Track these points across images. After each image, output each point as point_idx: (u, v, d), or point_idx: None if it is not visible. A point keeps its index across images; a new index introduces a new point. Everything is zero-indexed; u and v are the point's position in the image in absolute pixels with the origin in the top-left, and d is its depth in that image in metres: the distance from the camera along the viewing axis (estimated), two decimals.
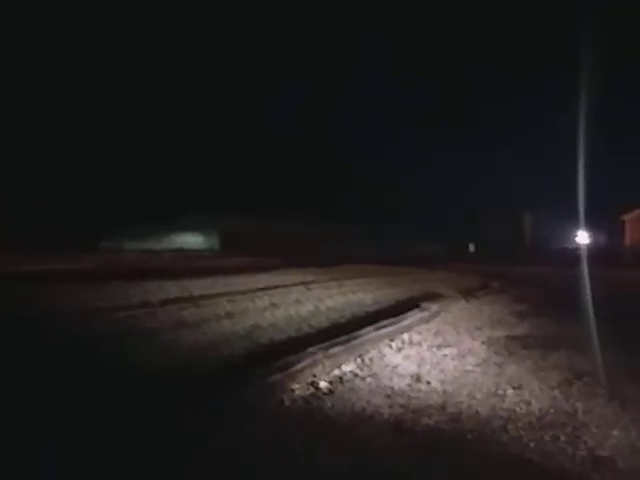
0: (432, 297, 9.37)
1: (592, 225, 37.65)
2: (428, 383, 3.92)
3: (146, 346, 4.68)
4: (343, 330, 5.50)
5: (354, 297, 9.11)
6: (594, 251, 32.31)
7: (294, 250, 26.64)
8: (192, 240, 32.84)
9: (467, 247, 28.57)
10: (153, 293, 8.56)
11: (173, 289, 9.27)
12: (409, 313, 6.72)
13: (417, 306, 7.42)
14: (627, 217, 31.22)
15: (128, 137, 28.45)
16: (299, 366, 3.79)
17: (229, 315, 6.50)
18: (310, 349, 4.20)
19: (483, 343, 5.58)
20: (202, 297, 8.23)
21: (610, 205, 32.26)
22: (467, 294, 10.17)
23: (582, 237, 37.26)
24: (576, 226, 36.18)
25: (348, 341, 4.78)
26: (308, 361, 3.93)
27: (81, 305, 6.92)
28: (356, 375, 4.03)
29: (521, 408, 3.44)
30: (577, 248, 32.81)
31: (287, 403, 3.31)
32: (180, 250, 27.90)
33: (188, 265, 16.67)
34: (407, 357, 4.73)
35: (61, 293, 8.30)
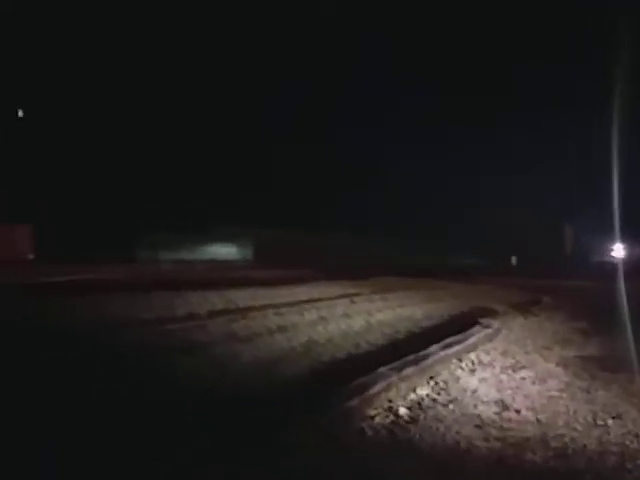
0: (486, 313, 8.91)
1: (630, 238, 36.29)
2: (517, 412, 3.53)
3: (203, 363, 4.43)
4: (404, 348, 5.16)
5: (402, 311, 8.72)
6: (634, 264, 31.02)
7: (323, 261, 26.32)
8: (225, 251, 32.87)
9: (509, 260, 27.71)
10: (198, 304, 8.36)
11: (216, 300, 9.07)
12: (470, 330, 6.30)
13: (477, 322, 6.99)
14: None
15: (156, 145, 28.65)
16: (373, 390, 3.46)
17: (281, 329, 6.21)
18: (381, 369, 3.86)
19: (558, 365, 5.15)
20: (249, 309, 7.99)
21: None
22: (521, 310, 9.67)
23: (618, 250, 35.95)
24: (613, 239, 34.91)
25: (415, 361, 4.41)
26: (382, 384, 3.59)
27: (128, 317, 6.75)
28: (435, 400, 3.67)
29: (632, 442, 3.03)
30: (615, 261, 31.56)
31: (369, 433, 2.98)
32: (214, 261, 27.90)
33: (225, 276, 16.52)
34: (483, 380, 4.34)
35: (105, 304, 8.18)
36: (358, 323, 7.03)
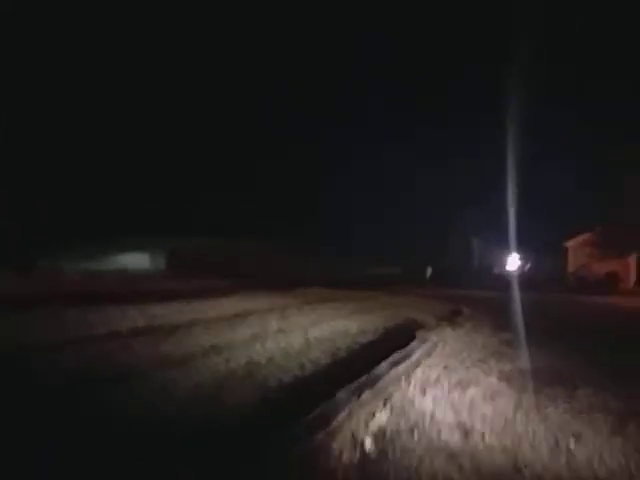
0: (417, 325, 8.99)
1: (532, 250, 39.13)
2: (482, 437, 3.40)
3: (135, 392, 3.89)
4: (350, 367, 4.95)
5: (337, 325, 8.54)
6: (527, 275, 33.64)
7: (239, 272, 25.83)
8: (136, 260, 31.10)
9: (424, 270, 28.73)
10: (117, 321, 7.63)
11: (137, 316, 8.35)
12: (410, 345, 6.22)
13: (413, 337, 6.95)
14: (570, 244, 32.60)
15: (67, 148, 26.66)
16: (336, 420, 3.17)
17: (215, 349, 5.74)
18: (340, 394, 3.58)
19: (500, 380, 5.18)
20: (175, 326, 7.40)
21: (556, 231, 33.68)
22: (447, 321, 9.89)
23: (513, 262, 38.77)
24: (509, 251, 37.47)
25: (369, 383, 4.20)
26: (343, 412, 3.31)
27: (38, 339, 5.93)
28: (398, 429, 3.45)
29: (600, 467, 3.00)
30: (511, 273, 33.95)
31: (340, 474, 2.68)
32: (125, 271, 26.27)
33: (140, 288, 15.48)
34: (437, 401, 4.21)
35: (7, 323, 7.19)
36: (296, 340, 6.71)
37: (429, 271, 29.13)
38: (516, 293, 20.06)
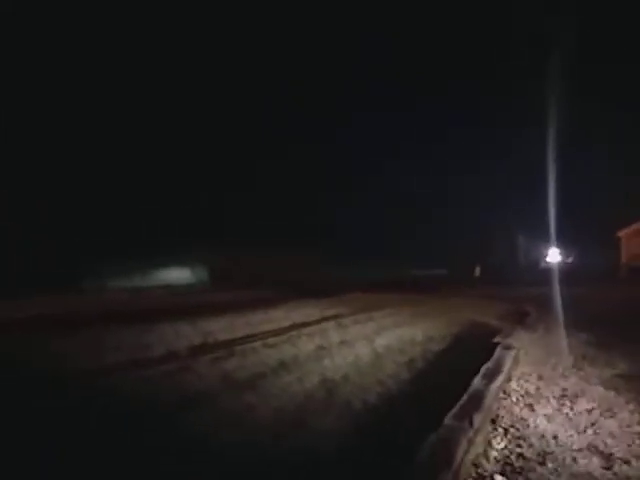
0: (485, 329, 8.36)
1: (579, 242, 37.52)
2: (627, 463, 2.82)
3: (211, 421, 3.48)
4: (433, 382, 4.42)
5: (400, 332, 8.00)
6: (570, 269, 32.15)
7: (281, 281, 25.53)
8: (179, 275, 31.22)
9: (473, 270, 27.71)
10: (172, 340, 7.31)
11: (191, 333, 8.02)
12: (496, 355, 5.62)
13: (491, 344, 6.34)
14: (623, 233, 30.97)
15: (100, 166, 26.94)
16: (457, 452, 2.66)
17: (283, 366, 5.31)
18: (448, 421, 3.06)
19: (607, 388, 4.58)
20: (232, 342, 7.02)
21: (604, 221, 32.10)
22: (516, 323, 9.20)
23: (554, 255, 37.16)
24: (550, 246, 36.03)
25: (473, 402, 3.65)
26: (462, 442, 2.79)
27: (96, 362, 5.63)
28: (523, 457, 2.91)
29: None
30: (552, 267, 32.57)
31: None
32: (170, 286, 26.35)
33: (188, 302, 15.31)
34: (551, 419, 3.64)
35: (64, 345, 6.96)
36: (363, 352, 6.22)
37: (477, 270, 28.11)
38: (571, 289, 19.08)
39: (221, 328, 8.62)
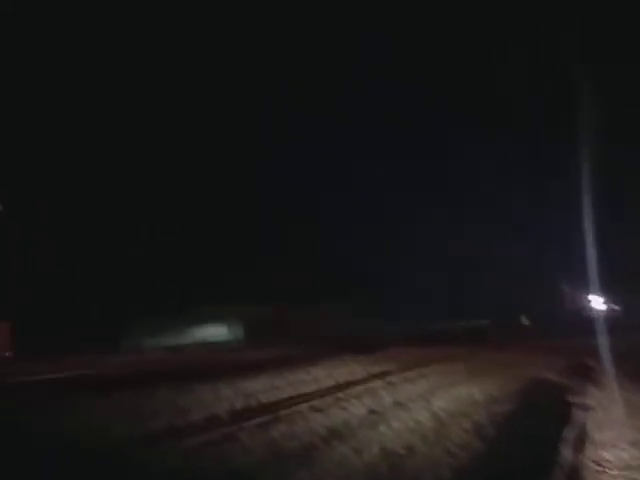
0: (550, 387, 7.61)
1: (609, 292, 35.92)
2: None
3: None
4: (511, 451, 3.82)
5: (457, 392, 7.34)
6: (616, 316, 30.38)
7: (317, 334, 24.91)
8: (214, 332, 30.98)
9: (518, 319, 26.37)
10: (212, 402, 6.86)
11: (231, 394, 7.56)
12: (574, 417, 4.95)
13: (568, 404, 5.65)
14: None
15: (134, 225, 27.36)
16: None
17: (335, 435, 4.77)
18: None
19: None
20: (276, 405, 6.53)
21: None
22: (580, 378, 8.40)
23: (597, 303, 35.59)
24: (592, 292, 34.47)
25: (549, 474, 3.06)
26: None
27: (133, 429, 5.22)
28: None
29: None
30: (598, 314, 30.88)
31: None
32: (204, 343, 26.06)
33: (225, 361, 14.88)
34: None
35: (101, 409, 6.60)
36: (422, 416, 5.61)
37: (524, 319, 26.75)
38: (624, 338, 17.81)
39: (262, 389, 8.13)
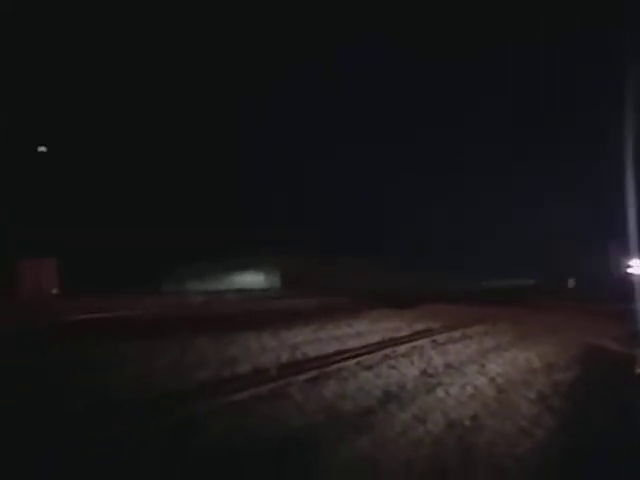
0: (610, 356, 7.15)
1: None
2: None
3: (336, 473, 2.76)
4: (591, 431, 3.46)
5: (512, 357, 6.97)
6: None
7: (352, 288, 24.75)
8: (253, 279, 31.39)
9: (566, 282, 25.45)
10: (257, 353, 6.75)
11: (276, 346, 7.44)
12: None
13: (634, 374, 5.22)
14: None
15: (179, 176, 27.42)
16: None
17: (391, 397, 4.53)
18: None
19: None
20: (324, 360, 6.34)
21: None
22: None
23: (637, 267, 34.22)
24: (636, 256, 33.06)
25: None
26: None
27: (179, 380, 5.13)
28: None
29: None
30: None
31: None
32: (243, 290, 26.40)
33: (266, 309, 14.92)
34: None
35: (146, 356, 6.57)
36: (480, 382, 5.30)
37: (571, 282, 25.79)
38: None
39: (307, 341, 7.99)
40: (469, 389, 4.91)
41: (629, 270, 37.04)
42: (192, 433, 3.39)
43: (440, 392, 4.76)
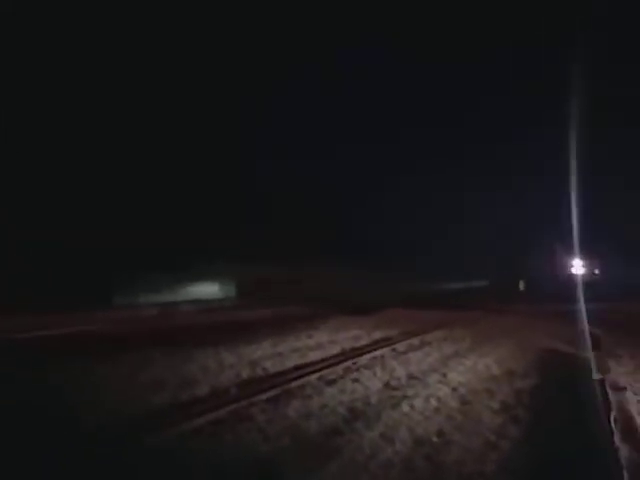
0: (569, 360, 7.35)
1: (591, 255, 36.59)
2: None
3: None
4: (556, 445, 3.49)
5: (470, 364, 7.06)
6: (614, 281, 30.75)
7: (307, 296, 24.76)
8: (207, 290, 30.68)
9: (517, 284, 26.25)
10: (215, 371, 6.50)
11: (234, 363, 7.21)
12: (616, 395, 4.64)
13: (600, 381, 5.34)
14: None
15: (129, 178, 26.58)
16: None
17: (357, 415, 4.43)
18: None
19: None
20: (284, 375, 6.18)
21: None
22: (592, 349, 8.15)
23: (578, 267, 36.25)
24: (575, 256, 35.07)
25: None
26: None
27: (136, 403, 4.84)
28: None
29: None
30: (577, 276, 31.28)
31: None
32: (199, 301, 25.80)
33: (223, 321, 14.58)
34: None
35: (100, 375, 6.20)
36: (442, 393, 5.30)
37: (522, 284, 26.68)
38: (622, 303, 17.94)
39: (266, 356, 7.79)
40: (433, 402, 4.89)
41: (571, 270, 39.05)
42: (142, 468, 3.16)
43: (405, 406, 4.70)
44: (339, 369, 6.68)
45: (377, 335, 10.42)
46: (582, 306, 17.37)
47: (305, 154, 33.14)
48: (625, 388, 5.14)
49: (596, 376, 5.67)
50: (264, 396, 5.13)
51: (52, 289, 21.53)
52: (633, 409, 4.35)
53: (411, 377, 6.12)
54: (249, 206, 32.66)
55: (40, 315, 15.97)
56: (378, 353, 8.08)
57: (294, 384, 5.72)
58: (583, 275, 34.92)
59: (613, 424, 3.80)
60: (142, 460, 3.32)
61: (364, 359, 7.47)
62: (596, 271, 41.79)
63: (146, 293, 28.98)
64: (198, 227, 31.39)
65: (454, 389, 5.44)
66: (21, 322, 13.51)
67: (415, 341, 9.50)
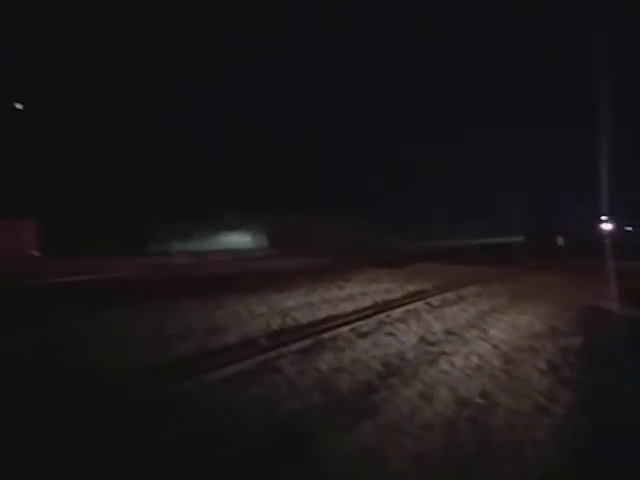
0: (611, 316, 6.91)
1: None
2: None
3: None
4: (614, 408, 3.14)
5: (511, 320, 6.69)
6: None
7: (339, 247, 24.56)
8: (239, 239, 30.91)
9: (555, 240, 25.37)
10: (245, 320, 6.34)
11: (265, 311, 7.04)
12: None
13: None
14: None
15: (161, 132, 26.58)
16: None
17: (392, 370, 4.17)
18: None
19: None
20: (316, 326, 5.97)
21: None
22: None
23: (606, 225, 35.34)
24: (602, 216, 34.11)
25: None
26: None
27: (163, 351, 4.71)
28: None
29: None
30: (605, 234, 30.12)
31: None
32: (229, 251, 25.96)
33: (253, 270, 14.51)
34: None
35: (129, 321, 6.13)
36: (483, 349, 4.99)
37: (560, 240, 25.75)
38: None
39: (297, 306, 7.60)
40: (474, 359, 4.59)
41: (603, 228, 37.99)
42: (167, 425, 2.98)
43: (444, 363, 4.42)
44: (372, 322, 6.43)
45: (410, 288, 10.12)
46: (621, 263, 16.60)
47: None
48: None
49: None
50: (294, 347, 4.93)
51: (89, 235, 21.95)
52: None
53: (448, 332, 5.82)
54: (279, 160, 32.29)
55: (75, 260, 16.27)
56: (412, 307, 7.79)
57: (325, 335, 5.50)
58: (615, 233, 34.10)
59: None
60: (164, 411, 3.14)
61: (397, 312, 7.20)
62: (629, 228, 41.02)
63: (179, 242, 29.37)
64: (232, 176, 31.29)
65: (495, 346, 5.11)
66: (67, 267, 13.75)
67: (450, 295, 9.16)
